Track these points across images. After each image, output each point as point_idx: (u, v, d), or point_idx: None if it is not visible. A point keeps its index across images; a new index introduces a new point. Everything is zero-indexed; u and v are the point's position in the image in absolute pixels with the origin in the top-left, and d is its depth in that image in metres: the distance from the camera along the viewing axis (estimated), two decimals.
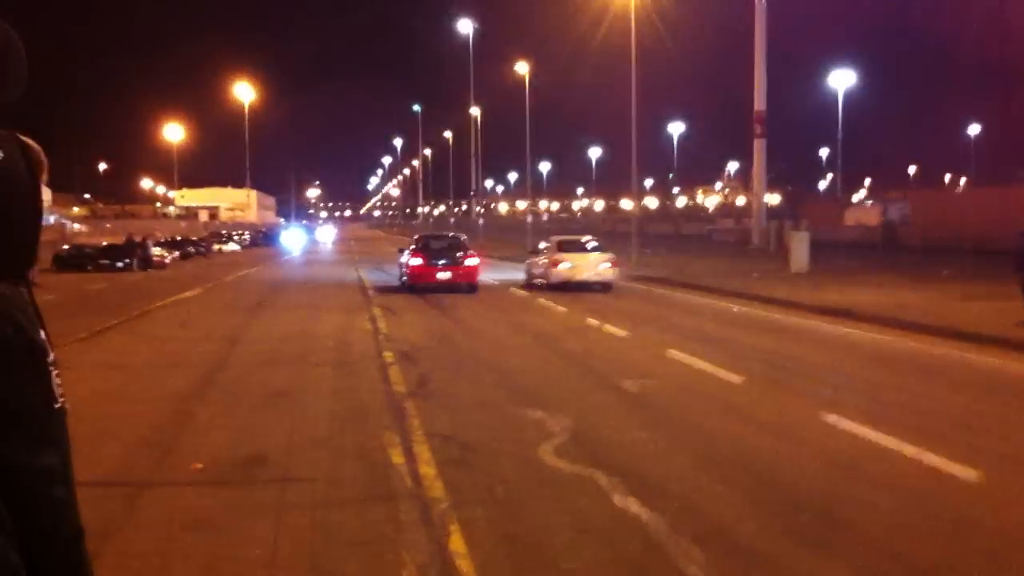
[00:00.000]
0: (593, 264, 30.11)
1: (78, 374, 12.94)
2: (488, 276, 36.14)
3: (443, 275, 29.92)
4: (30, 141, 2.04)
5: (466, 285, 29.89)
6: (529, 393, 12.18)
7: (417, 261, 30.43)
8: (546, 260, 30.78)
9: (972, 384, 12.93)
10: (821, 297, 24.45)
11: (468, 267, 30.24)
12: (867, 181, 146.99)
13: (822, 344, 17.26)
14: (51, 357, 2.11)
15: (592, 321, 20.93)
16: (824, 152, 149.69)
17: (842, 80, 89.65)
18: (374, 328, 19.96)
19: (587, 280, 29.81)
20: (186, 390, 12.60)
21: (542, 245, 32.56)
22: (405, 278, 31.23)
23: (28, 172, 2.01)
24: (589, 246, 31.19)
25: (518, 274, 36.44)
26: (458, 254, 30.72)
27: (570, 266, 29.90)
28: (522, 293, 29.42)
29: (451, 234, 36.78)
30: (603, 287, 29.90)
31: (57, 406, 2.10)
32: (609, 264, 30.18)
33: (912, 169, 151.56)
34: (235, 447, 9.25)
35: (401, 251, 33.45)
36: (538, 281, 31.39)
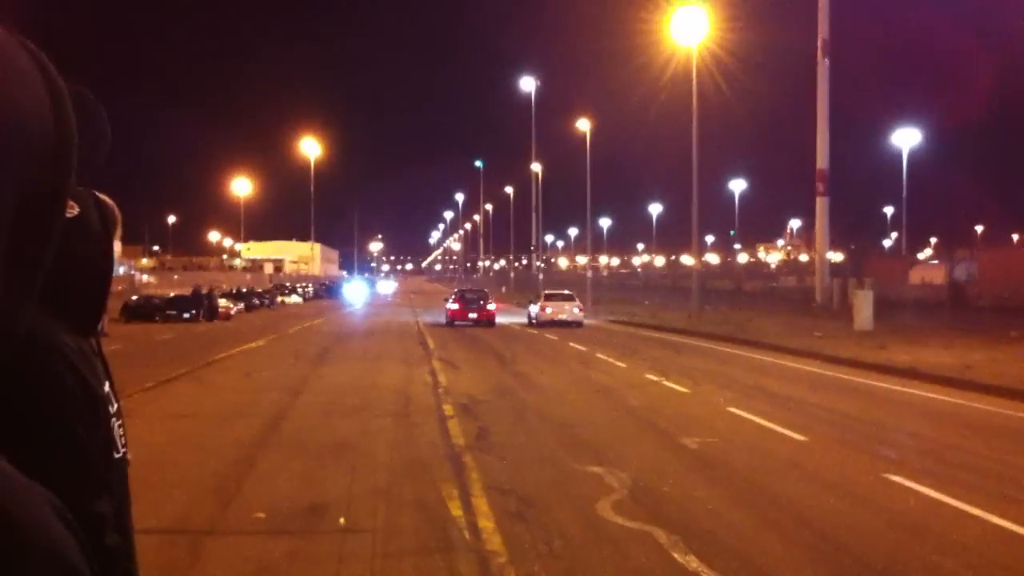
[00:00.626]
0: (568, 309, 43.50)
1: (145, 423, 13.19)
2: (551, 335, 39.45)
3: (472, 315, 43.27)
4: (105, 197, 2.14)
5: (486, 322, 42.95)
6: (588, 448, 12.15)
7: (455, 306, 44.21)
8: (537, 306, 44.66)
9: None
10: (886, 356, 24.09)
11: (488, 311, 43.75)
12: (932, 239, 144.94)
13: (887, 404, 16.99)
14: (115, 408, 2.22)
15: (652, 376, 20.84)
16: (889, 210, 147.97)
17: (907, 138, 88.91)
18: (434, 381, 20.06)
19: (564, 319, 42.66)
20: (250, 439, 12.77)
21: (545, 294, 46.69)
22: (447, 317, 43.95)
23: (102, 228, 2.11)
24: (565, 296, 45.57)
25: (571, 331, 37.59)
26: (482, 302, 44.42)
27: (551, 311, 43.31)
28: (580, 347, 29.45)
29: (479, 289, 55.03)
30: (576, 324, 42.28)
31: (118, 456, 2.20)
32: (578, 308, 43.84)
33: (979, 228, 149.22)
34: (296, 497, 9.35)
35: (446, 299, 47.42)
36: (533, 320, 44.59)
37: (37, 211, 0.76)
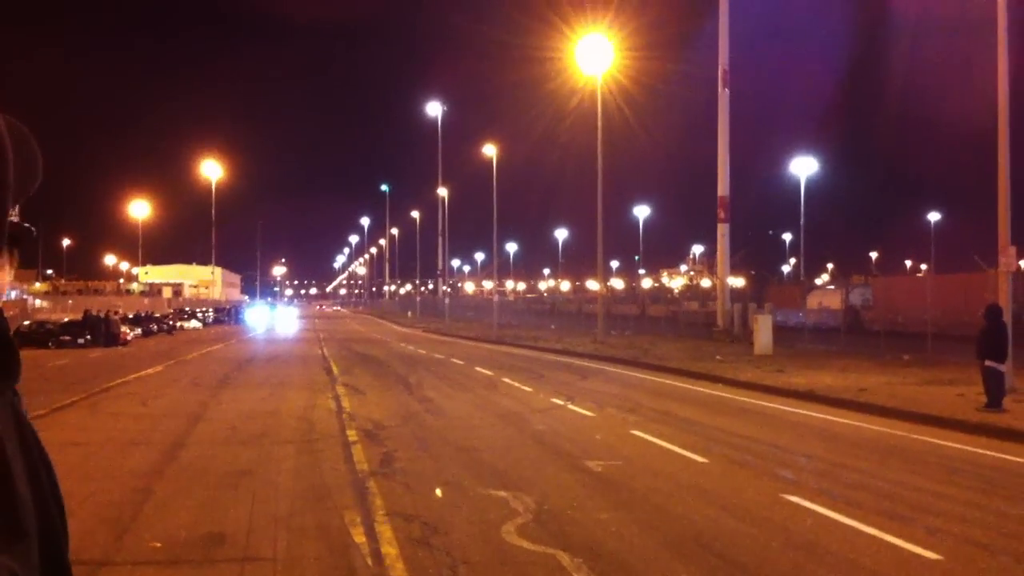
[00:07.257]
0: (337, 307, 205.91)
1: None
2: (458, 359, 38.51)
3: (321, 309, 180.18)
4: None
5: (327, 308, 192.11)
6: (493, 472, 12.14)
7: (319, 307, 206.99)
8: (336, 305, 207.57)
9: (932, 467, 13.04)
10: (785, 380, 24.61)
11: (326, 311, 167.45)
12: (829, 266, 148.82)
13: (785, 426, 17.34)
14: None
15: (558, 400, 20.93)
16: (787, 236, 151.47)
17: (804, 167, 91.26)
18: (338, 407, 19.85)
19: (337, 310, 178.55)
20: (146, 468, 12.46)
21: (336, 303, 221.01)
22: (315, 311, 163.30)
23: None
24: (337, 304, 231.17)
25: (481, 356, 37.54)
26: (326, 306, 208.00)
27: (338, 308, 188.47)
28: (486, 372, 29.45)
29: (332, 302, 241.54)
30: (340, 309, 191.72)
31: None
32: (341, 307, 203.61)
33: (874, 254, 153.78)
34: (194, 526, 9.14)
35: (319, 305, 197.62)
36: (336, 309, 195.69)
37: None
